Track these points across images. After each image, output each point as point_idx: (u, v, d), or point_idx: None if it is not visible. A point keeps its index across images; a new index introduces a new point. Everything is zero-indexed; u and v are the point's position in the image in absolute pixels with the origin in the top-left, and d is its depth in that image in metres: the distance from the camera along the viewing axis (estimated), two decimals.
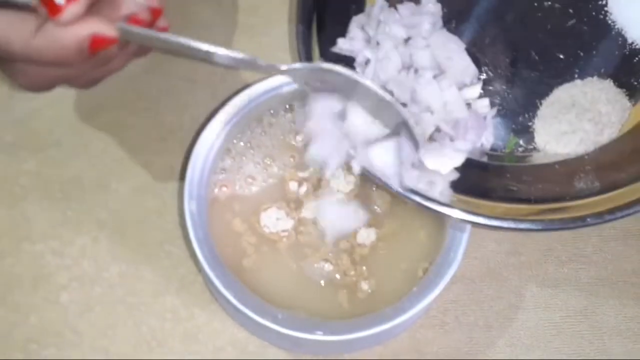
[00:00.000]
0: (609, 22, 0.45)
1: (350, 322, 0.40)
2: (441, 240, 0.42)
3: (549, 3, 0.45)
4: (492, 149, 0.44)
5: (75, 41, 0.33)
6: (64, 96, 0.52)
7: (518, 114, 0.44)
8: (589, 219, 0.39)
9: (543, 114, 0.44)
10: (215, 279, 0.40)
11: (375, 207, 0.45)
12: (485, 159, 0.43)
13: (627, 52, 0.44)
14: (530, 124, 0.44)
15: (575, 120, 0.43)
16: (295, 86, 0.44)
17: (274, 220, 0.44)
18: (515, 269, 0.48)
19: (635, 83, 0.44)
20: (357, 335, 0.39)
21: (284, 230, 0.44)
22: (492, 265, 0.48)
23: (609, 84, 0.44)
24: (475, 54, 0.45)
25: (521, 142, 0.44)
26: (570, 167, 0.42)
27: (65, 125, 0.51)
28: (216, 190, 0.45)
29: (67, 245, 0.48)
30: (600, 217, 0.39)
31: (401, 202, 0.44)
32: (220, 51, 0.35)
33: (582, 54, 0.44)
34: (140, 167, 0.50)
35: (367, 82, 0.38)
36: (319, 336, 0.39)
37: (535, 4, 0.46)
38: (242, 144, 0.47)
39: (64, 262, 0.48)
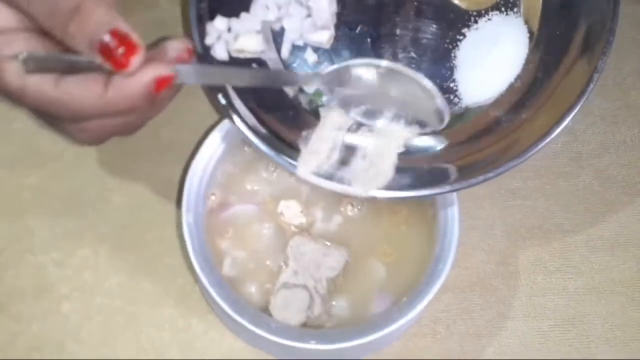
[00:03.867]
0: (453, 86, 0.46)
1: (342, 330, 0.41)
2: (430, 250, 0.43)
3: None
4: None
5: (144, 86, 0.36)
6: None
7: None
8: None
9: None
10: (211, 289, 0.41)
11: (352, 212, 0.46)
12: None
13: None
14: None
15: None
16: None
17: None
18: (504, 279, 0.49)
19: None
20: (349, 344, 0.40)
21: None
22: (482, 275, 0.49)
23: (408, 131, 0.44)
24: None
25: (323, 99, 0.45)
26: None
27: (67, 141, 0.51)
28: (212, 201, 0.46)
29: (68, 257, 0.49)
30: None
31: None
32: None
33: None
34: (140, 181, 0.51)
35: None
36: (312, 345, 0.40)
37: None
38: (239, 158, 0.48)
39: (65, 273, 0.49)
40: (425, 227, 0.45)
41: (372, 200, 0.42)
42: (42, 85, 0.37)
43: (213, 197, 0.47)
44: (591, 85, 0.41)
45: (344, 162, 0.42)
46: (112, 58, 0.35)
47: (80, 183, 0.51)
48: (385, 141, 0.43)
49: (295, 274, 0.44)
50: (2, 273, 0.48)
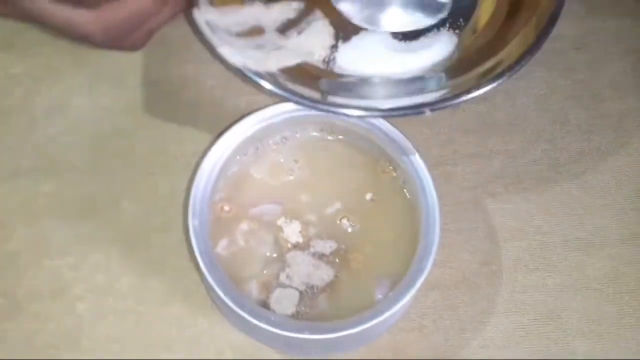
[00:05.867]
0: None
1: (333, 323, 0.44)
2: (414, 250, 0.46)
3: None
4: None
5: None
6: (79, 124, 0.55)
7: None
8: None
9: None
10: (217, 288, 0.44)
11: (347, 228, 0.49)
12: None
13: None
14: None
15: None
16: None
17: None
18: (487, 277, 0.51)
19: None
20: (340, 334, 0.43)
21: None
22: (466, 274, 0.51)
23: None
24: None
25: None
26: None
27: (80, 151, 0.54)
28: (220, 208, 0.49)
29: (82, 260, 0.51)
30: None
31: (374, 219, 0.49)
32: None
33: None
34: (148, 188, 0.53)
35: None
36: (306, 335, 0.43)
37: None
38: (242, 164, 0.51)
39: (79, 275, 0.50)
40: (409, 229, 0.48)
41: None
42: None
43: (227, 208, 0.50)
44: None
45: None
46: None
47: (92, 191, 0.53)
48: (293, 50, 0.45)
49: (289, 278, 0.48)
50: (20, 275, 0.50)
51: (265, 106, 0.50)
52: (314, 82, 0.45)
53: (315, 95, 0.44)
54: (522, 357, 0.50)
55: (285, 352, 0.49)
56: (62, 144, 0.55)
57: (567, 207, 0.54)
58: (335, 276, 0.48)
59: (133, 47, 0.40)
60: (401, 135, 0.49)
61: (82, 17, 0.37)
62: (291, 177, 0.51)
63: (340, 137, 0.52)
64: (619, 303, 0.51)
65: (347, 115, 0.45)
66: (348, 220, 0.50)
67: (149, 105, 0.56)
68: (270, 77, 0.43)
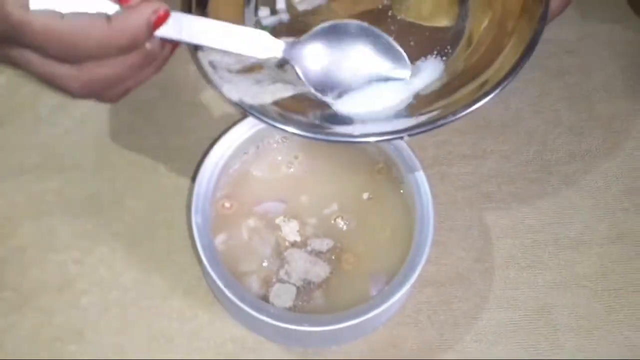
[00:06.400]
0: None
1: (331, 316, 0.45)
2: (408, 248, 0.47)
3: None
4: None
5: (145, 18, 0.38)
6: (84, 123, 0.56)
7: None
8: None
9: None
10: (217, 280, 0.45)
11: (342, 226, 0.51)
12: None
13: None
14: None
15: None
16: None
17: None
18: (480, 274, 0.52)
19: None
20: (337, 326, 0.44)
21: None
22: (460, 270, 0.52)
23: None
24: None
25: None
26: None
27: (85, 149, 0.55)
28: (221, 205, 0.51)
29: (86, 255, 0.52)
30: None
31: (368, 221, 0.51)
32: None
33: None
34: (152, 186, 0.54)
35: None
36: (305, 327, 0.44)
37: None
38: (243, 162, 0.52)
39: (84, 270, 0.51)
40: (405, 228, 0.50)
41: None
42: (48, 18, 0.37)
43: (227, 205, 0.51)
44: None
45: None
46: None
47: (97, 188, 0.54)
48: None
49: (287, 274, 0.49)
50: (26, 270, 0.51)
51: None
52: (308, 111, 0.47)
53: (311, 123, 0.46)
54: (513, 352, 0.51)
55: (283, 345, 0.50)
56: (67, 142, 0.56)
57: (558, 207, 0.55)
58: (331, 273, 0.49)
59: (109, 101, 0.43)
60: None
61: (64, 72, 0.39)
62: (291, 169, 0.52)
63: None
64: (607, 300, 0.52)
65: (349, 142, 0.46)
66: (344, 219, 0.51)
67: (152, 105, 0.57)
68: (266, 109, 0.45)
